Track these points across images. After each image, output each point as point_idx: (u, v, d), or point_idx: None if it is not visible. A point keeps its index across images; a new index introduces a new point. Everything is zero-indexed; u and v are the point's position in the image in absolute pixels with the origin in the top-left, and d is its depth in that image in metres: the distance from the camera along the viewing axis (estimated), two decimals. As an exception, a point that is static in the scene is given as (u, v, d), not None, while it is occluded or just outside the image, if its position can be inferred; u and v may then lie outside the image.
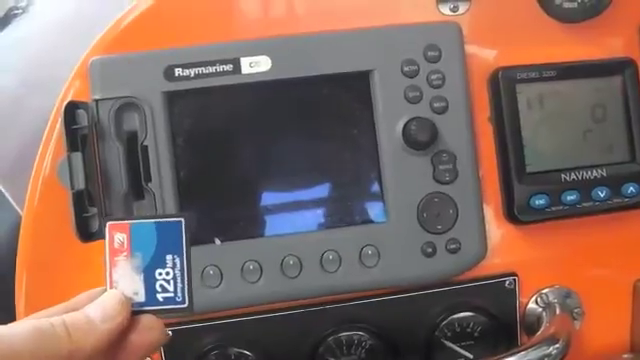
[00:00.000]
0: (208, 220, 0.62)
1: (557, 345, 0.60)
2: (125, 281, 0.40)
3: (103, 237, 0.41)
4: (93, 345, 0.38)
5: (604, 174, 0.66)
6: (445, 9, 0.66)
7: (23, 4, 1.01)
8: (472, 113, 0.64)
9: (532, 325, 0.67)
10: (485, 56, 0.67)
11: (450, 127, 0.63)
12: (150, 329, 0.40)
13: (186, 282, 0.40)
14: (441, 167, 0.63)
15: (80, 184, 0.57)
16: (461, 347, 0.66)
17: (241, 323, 0.64)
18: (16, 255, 0.64)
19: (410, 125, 0.62)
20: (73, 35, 0.85)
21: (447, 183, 0.63)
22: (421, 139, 0.62)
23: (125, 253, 0.40)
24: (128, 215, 0.59)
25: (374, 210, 0.63)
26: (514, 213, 0.65)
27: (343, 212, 0.63)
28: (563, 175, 0.65)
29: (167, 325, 0.63)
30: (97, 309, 0.39)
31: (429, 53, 0.63)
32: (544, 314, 0.66)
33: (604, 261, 0.69)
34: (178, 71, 0.61)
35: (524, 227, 0.66)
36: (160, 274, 0.40)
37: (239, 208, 0.63)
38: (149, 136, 0.60)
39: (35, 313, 0.41)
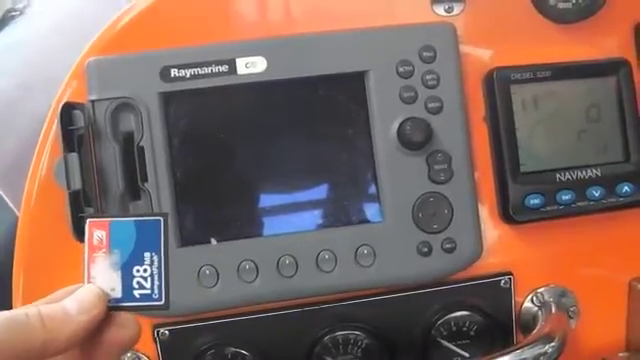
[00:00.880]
0: (204, 220, 0.63)
1: (553, 344, 0.60)
2: (102, 277, 0.41)
3: None
4: (68, 336, 0.38)
5: (599, 174, 0.66)
6: (440, 10, 0.67)
7: (20, 6, 1.01)
8: (467, 113, 0.65)
9: (528, 324, 0.67)
10: (480, 56, 0.67)
11: (445, 127, 0.63)
12: (123, 327, 0.40)
13: (163, 280, 0.41)
14: (436, 167, 0.63)
15: (76, 184, 0.58)
16: (457, 346, 0.66)
17: (237, 323, 0.64)
18: (13, 256, 0.64)
19: (405, 125, 0.62)
20: (71, 38, 0.85)
21: (442, 183, 0.63)
22: (416, 139, 0.62)
23: (104, 250, 0.41)
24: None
25: (369, 210, 0.64)
26: (509, 213, 0.65)
27: (339, 212, 0.64)
28: (558, 175, 0.66)
29: (164, 325, 0.64)
30: (74, 301, 0.39)
31: (424, 54, 0.63)
32: (540, 313, 0.67)
33: (599, 260, 0.69)
34: (174, 72, 0.61)
35: (519, 226, 0.67)
36: (138, 271, 0.41)
37: (235, 208, 0.63)
38: (145, 137, 0.61)
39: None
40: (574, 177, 0.66)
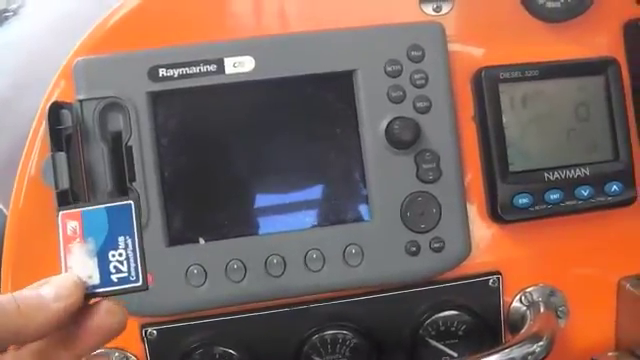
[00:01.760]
0: (192, 219, 0.63)
1: (541, 343, 0.60)
2: (79, 266, 0.41)
3: None
4: (42, 322, 0.38)
5: (587, 173, 0.66)
6: (428, 9, 0.67)
7: (14, 7, 1.01)
8: (455, 112, 0.64)
9: (516, 323, 0.67)
10: (468, 56, 0.67)
11: (433, 126, 0.63)
12: (110, 313, 0.40)
13: (139, 261, 0.41)
14: (424, 166, 0.63)
15: (64, 184, 0.58)
16: (445, 345, 0.66)
17: (225, 322, 0.64)
18: (1, 254, 0.64)
19: (393, 124, 0.62)
20: (64, 38, 0.85)
21: (431, 182, 0.63)
22: (404, 138, 0.62)
23: (78, 239, 0.41)
24: None
25: (358, 209, 0.64)
26: (498, 212, 0.65)
27: (327, 211, 0.64)
28: (546, 174, 0.66)
29: (152, 324, 0.64)
30: (50, 288, 0.39)
31: (412, 53, 0.63)
32: (528, 312, 0.67)
33: (588, 259, 0.69)
34: (162, 71, 0.61)
35: (508, 226, 0.67)
36: (113, 256, 0.41)
37: (223, 208, 0.63)
38: (133, 136, 0.61)
39: None
40: (563, 176, 0.66)
